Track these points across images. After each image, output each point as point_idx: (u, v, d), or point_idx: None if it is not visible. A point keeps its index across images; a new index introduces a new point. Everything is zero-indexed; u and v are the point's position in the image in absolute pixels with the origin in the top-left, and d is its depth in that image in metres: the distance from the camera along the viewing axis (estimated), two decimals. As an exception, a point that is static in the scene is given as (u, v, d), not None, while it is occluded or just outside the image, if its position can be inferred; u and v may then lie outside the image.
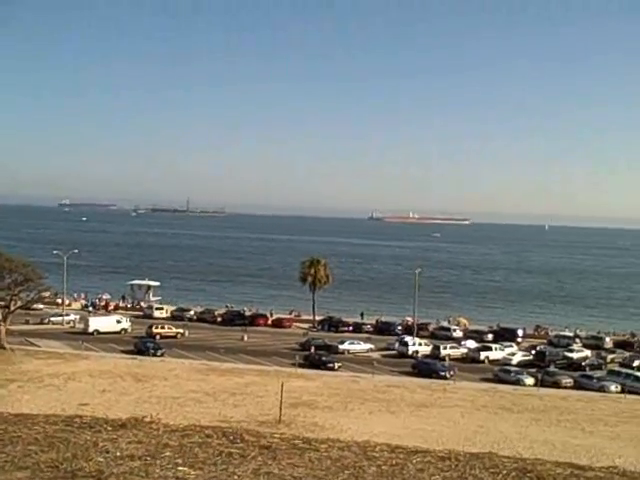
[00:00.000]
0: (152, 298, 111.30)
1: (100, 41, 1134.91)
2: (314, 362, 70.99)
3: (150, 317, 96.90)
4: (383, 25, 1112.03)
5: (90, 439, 7.24)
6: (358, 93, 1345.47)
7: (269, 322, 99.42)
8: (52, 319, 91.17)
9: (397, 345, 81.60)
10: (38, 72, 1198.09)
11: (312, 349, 76.87)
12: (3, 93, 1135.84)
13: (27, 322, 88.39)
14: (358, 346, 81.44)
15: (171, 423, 9.01)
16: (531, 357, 77.96)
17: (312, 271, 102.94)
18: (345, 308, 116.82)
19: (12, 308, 75.28)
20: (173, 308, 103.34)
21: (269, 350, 79.93)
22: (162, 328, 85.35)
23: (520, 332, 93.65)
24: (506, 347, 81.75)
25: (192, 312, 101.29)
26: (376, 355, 79.24)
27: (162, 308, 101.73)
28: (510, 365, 72.94)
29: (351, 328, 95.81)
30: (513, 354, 78.48)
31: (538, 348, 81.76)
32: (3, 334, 72.19)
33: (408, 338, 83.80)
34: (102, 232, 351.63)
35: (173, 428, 8.16)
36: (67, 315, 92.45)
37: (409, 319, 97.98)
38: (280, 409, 43.95)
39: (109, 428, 7.83)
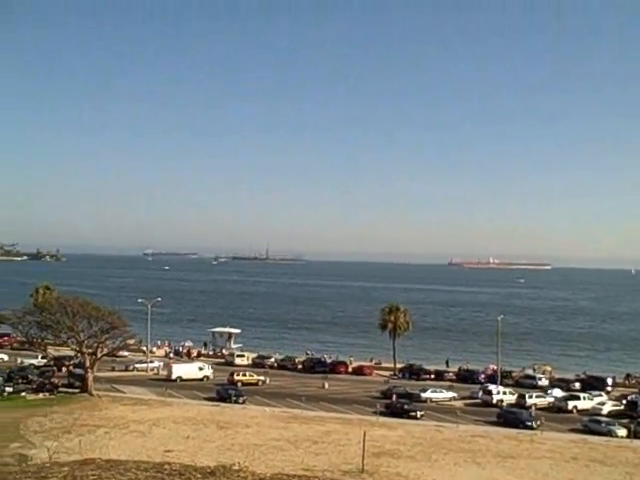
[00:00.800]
0: (233, 345, 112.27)
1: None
2: (396, 410, 69.89)
3: (231, 364, 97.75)
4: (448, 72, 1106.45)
5: (181, 486, 7.25)
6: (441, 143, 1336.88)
7: (349, 370, 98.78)
8: (137, 366, 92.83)
9: (481, 394, 79.64)
10: (119, 130, 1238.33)
11: (394, 397, 75.74)
12: (89, 150, 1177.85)
13: (113, 369, 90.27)
14: (441, 394, 79.89)
15: (257, 471, 8.95)
16: (622, 407, 74.74)
17: (392, 318, 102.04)
18: (426, 356, 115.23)
19: (99, 355, 77.16)
20: (254, 355, 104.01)
21: (350, 398, 79.14)
22: (243, 375, 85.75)
23: (610, 381, 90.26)
24: (595, 396, 78.76)
25: (273, 359, 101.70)
26: (459, 404, 77.49)
27: (243, 355, 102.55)
28: (600, 415, 70.12)
29: (433, 376, 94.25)
30: (603, 404, 75.44)
31: (629, 398, 78.28)
32: (90, 381, 73.90)
33: (492, 386, 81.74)
34: (184, 280, 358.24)
35: (261, 476, 8.12)
36: (151, 362, 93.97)
37: (492, 367, 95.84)
38: (363, 458, 43.32)
39: (198, 475, 7.85)
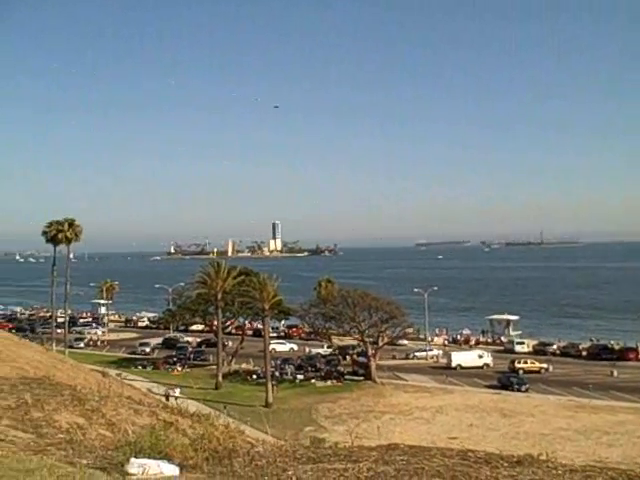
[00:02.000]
0: (512, 332, 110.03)
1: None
2: (697, 400, 64.33)
3: (511, 352, 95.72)
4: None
5: (490, 474, 7.13)
6: None
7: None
8: (416, 354, 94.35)
9: None
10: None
11: (694, 386, 69.75)
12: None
13: (394, 357, 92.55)
14: None
15: (563, 462, 8.57)
16: None
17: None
18: None
19: (380, 344, 79.69)
20: (534, 342, 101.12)
21: (643, 386, 73.99)
22: (525, 363, 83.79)
23: None
24: None
25: (554, 346, 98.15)
26: None
27: (523, 342, 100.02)
28: None
29: None
30: None
31: None
32: (374, 369, 76.51)
33: None
34: (457, 268, 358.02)
35: (571, 468, 7.73)
36: (430, 350, 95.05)
37: None
38: (663, 451, 40.41)
39: (505, 464, 7.65)
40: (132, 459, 7.42)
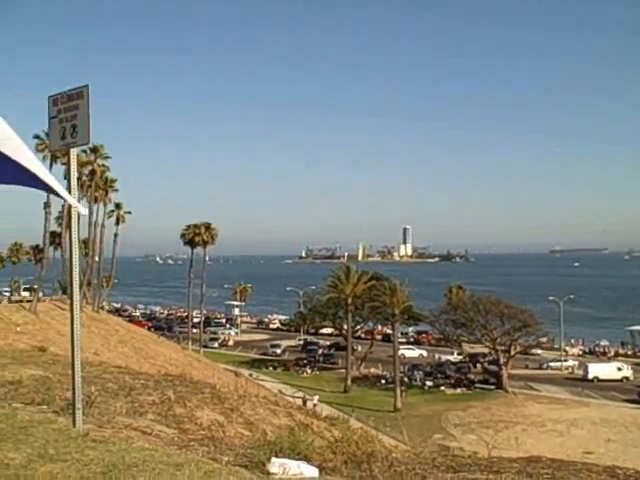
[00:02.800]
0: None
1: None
2: None
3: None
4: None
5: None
6: None
7: None
8: (550, 364, 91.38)
9: None
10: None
11: None
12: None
13: (526, 367, 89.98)
14: None
15: None
16: None
17: None
18: None
19: (512, 352, 77.88)
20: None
21: None
22: (668, 377, 79.63)
23: None
24: None
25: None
26: None
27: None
28: None
29: None
30: None
31: None
32: (505, 378, 74.86)
33: None
34: (595, 276, 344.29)
35: None
36: (565, 361, 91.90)
37: None
38: None
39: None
40: (273, 458, 7.54)
